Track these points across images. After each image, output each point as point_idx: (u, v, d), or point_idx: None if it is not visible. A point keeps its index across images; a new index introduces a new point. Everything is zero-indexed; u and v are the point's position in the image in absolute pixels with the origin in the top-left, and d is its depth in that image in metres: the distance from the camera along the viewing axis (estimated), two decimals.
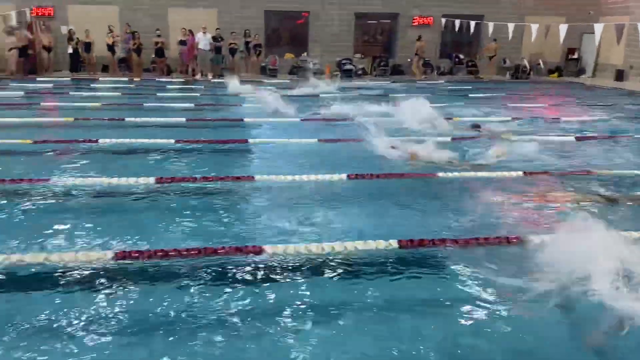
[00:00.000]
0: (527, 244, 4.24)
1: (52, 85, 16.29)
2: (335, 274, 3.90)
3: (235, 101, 13.07)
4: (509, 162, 6.99)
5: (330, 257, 4.07)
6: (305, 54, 21.89)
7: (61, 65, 19.97)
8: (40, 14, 19.77)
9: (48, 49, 19.18)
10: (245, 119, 10.32)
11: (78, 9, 20.14)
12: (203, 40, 19.47)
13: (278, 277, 3.81)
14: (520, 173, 6.49)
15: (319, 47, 21.97)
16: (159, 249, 4.05)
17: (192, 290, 3.59)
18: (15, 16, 18.10)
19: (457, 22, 21.19)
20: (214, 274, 3.81)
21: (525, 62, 22.15)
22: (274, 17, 22.12)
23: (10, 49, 18.04)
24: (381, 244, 4.23)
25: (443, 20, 21.88)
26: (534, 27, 18.39)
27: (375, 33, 23.73)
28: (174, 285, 3.65)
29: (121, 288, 3.58)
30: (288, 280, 3.77)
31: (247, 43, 20.25)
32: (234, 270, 3.87)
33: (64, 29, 19.87)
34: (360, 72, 21.45)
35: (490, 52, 22.04)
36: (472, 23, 20.72)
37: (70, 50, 19.50)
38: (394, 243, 4.25)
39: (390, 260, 4.11)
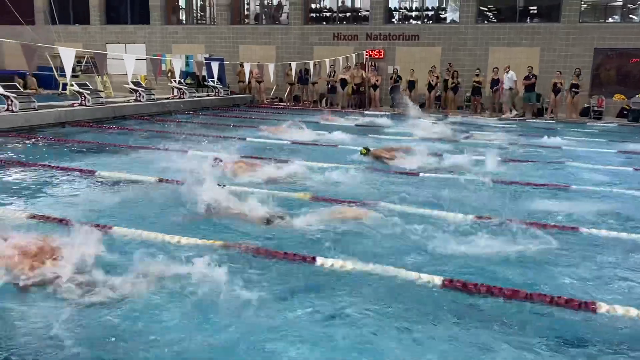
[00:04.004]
0: None
1: (372, 119, 17.94)
2: None
3: None
4: None
5: None
6: (639, 95, 19.31)
7: (383, 101, 22.03)
8: (373, 55, 22.29)
9: (374, 87, 21.41)
10: None
11: (405, 50, 22.02)
12: (506, 79, 19.15)
13: None
14: None
15: None
16: None
17: None
18: (355, 57, 20.83)
19: None
20: None
21: None
22: (604, 55, 20.17)
23: (339, 83, 20.79)
24: None
25: None
26: None
27: None
28: None
29: None
30: None
31: (573, 83, 18.93)
32: None
33: (390, 69, 21.96)
34: None
35: None
36: None
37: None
38: None
39: None
